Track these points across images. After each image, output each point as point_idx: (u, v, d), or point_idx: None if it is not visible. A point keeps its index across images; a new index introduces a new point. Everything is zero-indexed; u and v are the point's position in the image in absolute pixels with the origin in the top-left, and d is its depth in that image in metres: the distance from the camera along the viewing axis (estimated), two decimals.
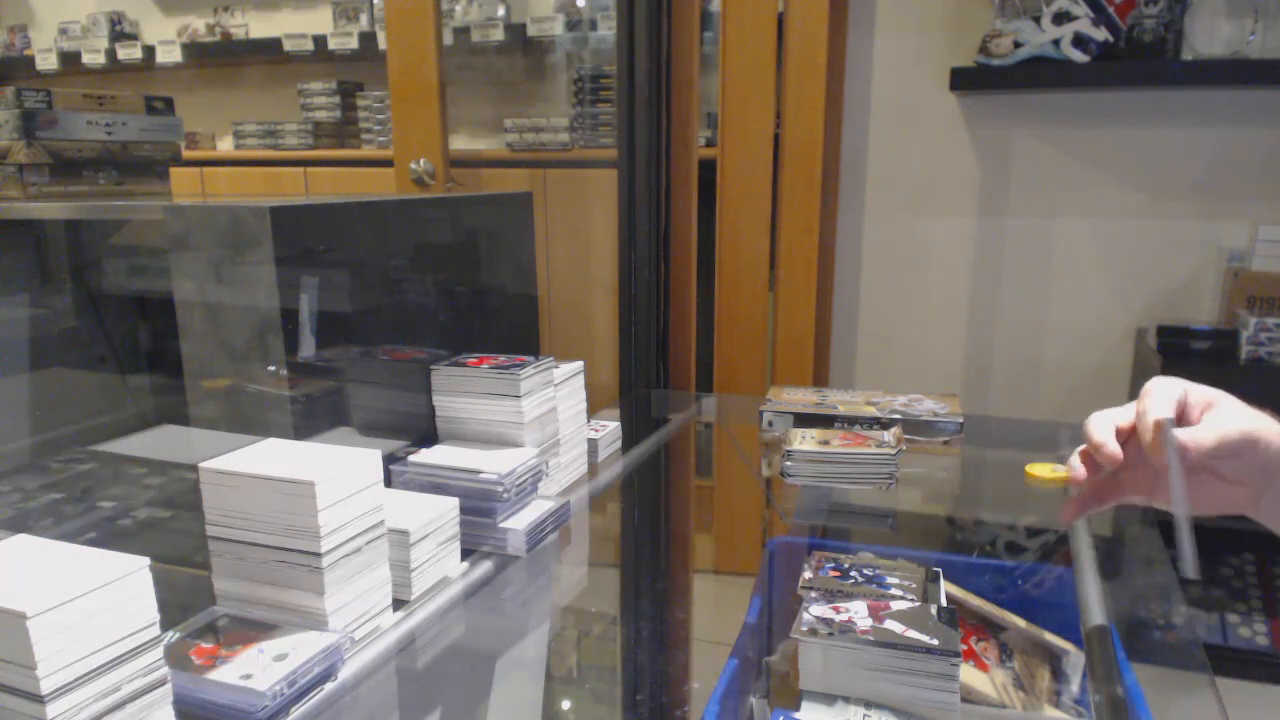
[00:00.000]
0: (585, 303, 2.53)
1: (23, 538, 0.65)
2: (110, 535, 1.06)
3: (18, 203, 1.30)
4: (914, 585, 0.87)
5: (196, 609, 0.80)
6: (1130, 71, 1.90)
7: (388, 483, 0.96)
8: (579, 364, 1.25)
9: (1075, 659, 0.88)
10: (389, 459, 1.05)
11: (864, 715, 0.72)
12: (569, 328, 2.55)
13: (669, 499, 1.49)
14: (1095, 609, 0.77)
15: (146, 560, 0.62)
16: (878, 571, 0.90)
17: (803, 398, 1.54)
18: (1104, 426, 0.70)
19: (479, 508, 1.01)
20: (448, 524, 0.95)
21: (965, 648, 0.84)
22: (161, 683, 0.64)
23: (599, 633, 1.12)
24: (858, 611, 0.79)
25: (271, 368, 1.01)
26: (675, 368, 2.06)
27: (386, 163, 2.43)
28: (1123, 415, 0.71)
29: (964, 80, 1.98)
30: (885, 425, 1.40)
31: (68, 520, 1.07)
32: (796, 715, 0.73)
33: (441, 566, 0.95)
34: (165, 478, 1.20)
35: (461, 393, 1.12)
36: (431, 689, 0.87)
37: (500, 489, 1.00)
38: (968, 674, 0.80)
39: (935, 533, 1.33)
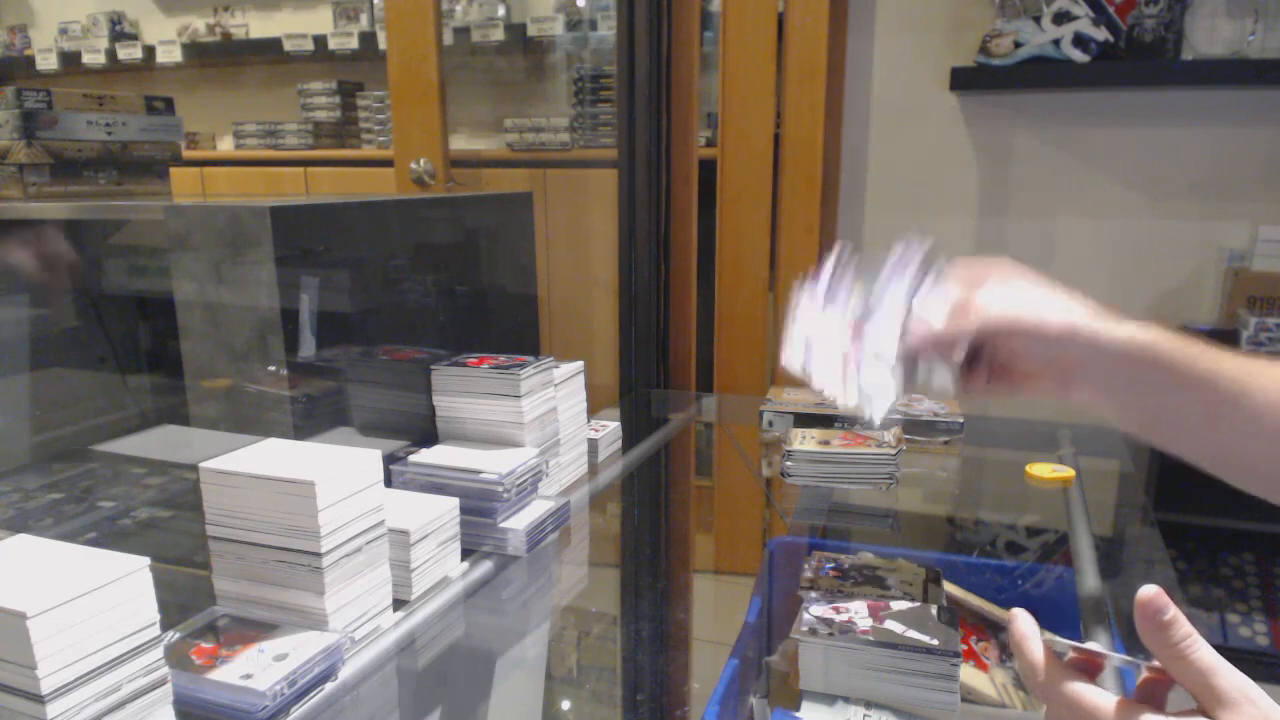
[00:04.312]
0: (585, 303, 2.53)
1: (23, 538, 0.65)
2: (110, 535, 1.06)
3: (18, 203, 1.30)
4: (914, 585, 0.87)
5: (196, 609, 0.80)
6: (1130, 71, 1.90)
7: (388, 483, 0.96)
8: (579, 364, 1.25)
9: None
10: (389, 459, 1.05)
11: (864, 715, 0.72)
12: (569, 328, 2.55)
13: (669, 499, 1.49)
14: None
15: (146, 560, 0.62)
16: (878, 571, 0.90)
17: (803, 398, 1.54)
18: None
19: (479, 508, 1.01)
20: (448, 524, 0.95)
21: (965, 648, 0.84)
22: (161, 683, 0.64)
23: (599, 633, 1.12)
24: (858, 611, 0.79)
25: (271, 368, 1.01)
26: (675, 368, 2.05)
27: (386, 163, 2.43)
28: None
29: (964, 80, 1.98)
30: (885, 425, 1.40)
31: (68, 520, 1.07)
32: (796, 715, 0.73)
33: (442, 566, 0.95)
34: (165, 478, 1.20)
35: (461, 393, 1.12)
36: (431, 689, 0.87)
37: (500, 489, 1.00)
38: (968, 674, 0.80)
39: (935, 533, 1.33)
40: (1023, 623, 0.56)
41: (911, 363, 0.72)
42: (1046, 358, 0.71)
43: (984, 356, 0.74)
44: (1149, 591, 0.48)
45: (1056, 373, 0.72)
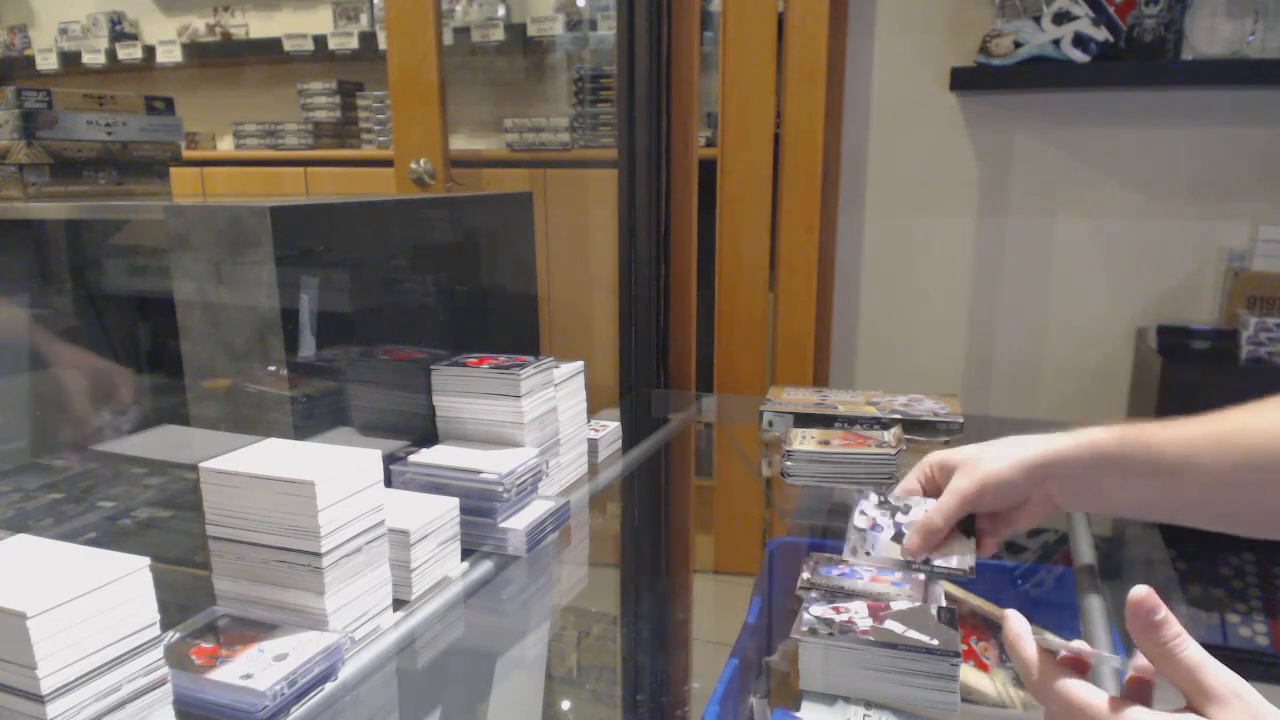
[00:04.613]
0: (585, 303, 2.53)
1: (23, 538, 0.65)
2: (110, 535, 1.06)
3: (18, 203, 1.30)
4: (914, 585, 0.87)
5: (196, 609, 0.80)
6: (1130, 71, 1.90)
7: (388, 483, 0.96)
8: (579, 364, 1.25)
9: None
10: (389, 459, 1.05)
11: (864, 715, 0.72)
12: (569, 328, 2.55)
13: (669, 499, 1.49)
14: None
15: (146, 560, 0.62)
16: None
17: (803, 398, 1.54)
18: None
19: (479, 508, 1.01)
20: (448, 524, 0.95)
21: (965, 648, 0.84)
22: (161, 683, 0.64)
23: (599, 633, 1.12)
24: (858, 611, 0.78)
25: (271, 368, 1.01)
26: (675, 368, 2.05)
27: (386, 163, 2.43)
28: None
29: (964, 80, 1.98)
30: (885, 425, 1.40)
31: (68, 520, 1.07)
32: (796, 715, 0.73)
33: (442, 566, 0.95)
34: (165, 478, 1.20)
35: (461, 393, 1.12)
36: (431, 689, 0.87)
37: (500, 489, 1.00)
38: (968, 674, 0.80)
39: None
40: (1015, 623, 0.57)
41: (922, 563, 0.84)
42: (1021, 496, 0.82)
43: (977, 521, 0.85)
44: (1140, 592, 0.50)
45: (1040, 500, 0.82)
